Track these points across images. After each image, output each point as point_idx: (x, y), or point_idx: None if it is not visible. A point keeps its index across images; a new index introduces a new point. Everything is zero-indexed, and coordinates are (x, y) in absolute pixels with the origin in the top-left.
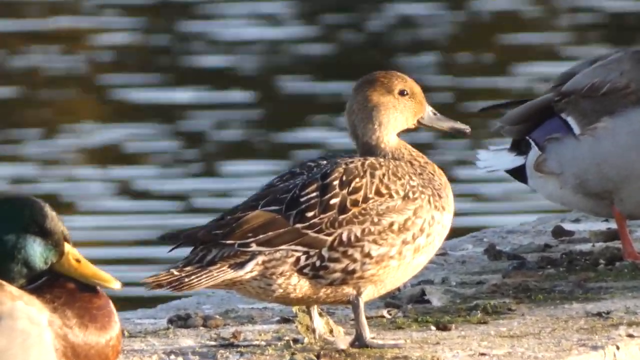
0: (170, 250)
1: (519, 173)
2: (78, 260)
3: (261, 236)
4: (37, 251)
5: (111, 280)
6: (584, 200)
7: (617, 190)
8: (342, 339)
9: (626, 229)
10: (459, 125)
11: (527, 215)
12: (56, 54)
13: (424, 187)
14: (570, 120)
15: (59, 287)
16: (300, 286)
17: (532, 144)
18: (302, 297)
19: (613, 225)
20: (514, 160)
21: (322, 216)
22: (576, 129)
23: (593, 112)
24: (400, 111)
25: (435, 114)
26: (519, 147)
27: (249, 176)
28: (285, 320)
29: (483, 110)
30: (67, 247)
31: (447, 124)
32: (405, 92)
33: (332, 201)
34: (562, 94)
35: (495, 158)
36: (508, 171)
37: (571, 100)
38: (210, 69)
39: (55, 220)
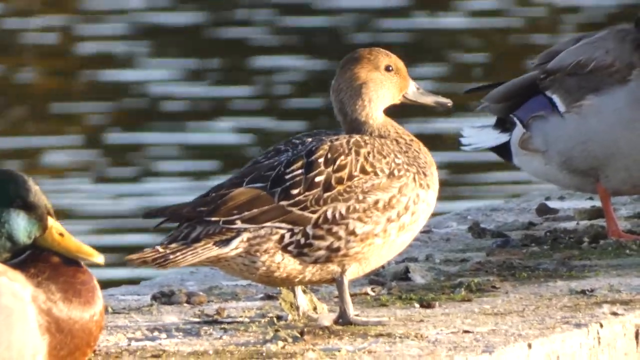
0: (156, 227)
1: (503, 150)
2: (61, 234)
3: (246, 213)
4: (21, 225)
5: (95, 254)
6: (569, 177)
7: (602, 167)
8: (326, 316)
9: (610, 206)
10: (442, 99)
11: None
12: None
13: (409, 165)
14: (556, 98)
15: (43, 261)
16: (285, 264)
17: (517, 122)
18: (286, 276)
19: (597, 203)
20: (498, 138)
21: (307, 193)
22: (561, 107)
23: (578, 90)
24: (387, 87)
25: (418, 88)
26: (504, 124)
27: None
28: (269, 297)
29: (468, 92)
30: (51, 221)
31: (430, 99)
32: (391, 68)
33: (317, 179)
34: (547, 72)
35: (480, 135)
36: (492, 149)
37: (556, 78)
38: None
39: (39, 194)
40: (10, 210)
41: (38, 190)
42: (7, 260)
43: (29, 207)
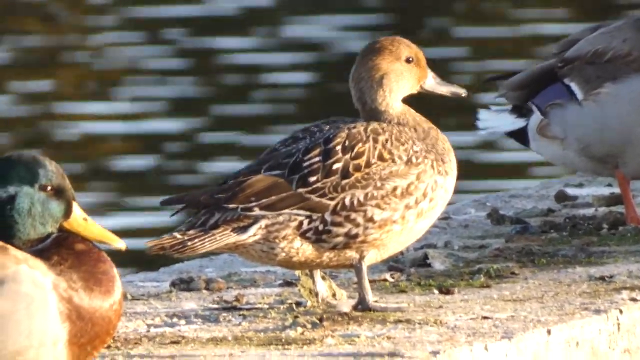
0: (173, 215)
1: (520, 135)
2: (85, 219)
3: (264, 200)
4: (49, 210)
5: (117, 240)
6: (587, 163)
7: (620, 154)
8: (345, 302)
9: (629, 193)
10: (457, 89)
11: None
12: None
13: (428, 151)
14: (574, 85)
15: (66, 248)
16: (303, 250)
17: (535, 109)
18: (304, 261)
19: (616, 189)
20: (514, 122)
21: (324, 181)
22: (579, 95)
23: (596, 78)
24: (406, 78)
25: (435, 78)
26: (520, 109)
27: None
28: (288, 283)
29: (489, 81)
30: (74, 206)
31: (447, 89)
32: (411, 59)
33: (335, 166)
34: (565, 60)
35: (496, 119)
36: (508, 133)
37: (575, 66)
38: None
39: (66, 179)
40: (40, 195)
41: (64, 174)
42: (32, 246)
43: (57, 192)
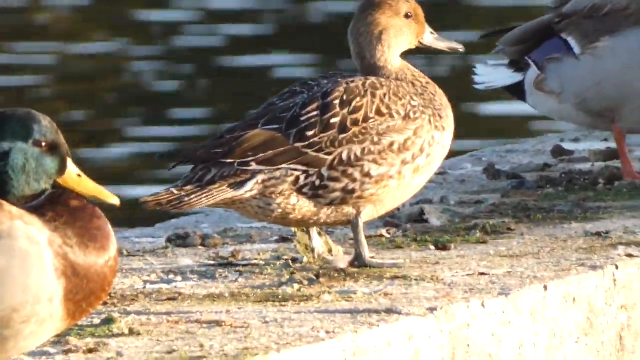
0: (170, 169)
1: (517, 89)
2: (79, 176)
3: (261, 155)
4: (43, 166)
5: (111, 196)
6: (584, 117)
7: (617, 108)
8: (342, 258)
9: (625, 148)
10: (455, 44)
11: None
12: None
13: (425, 107)
14: (571, 40)
15: (61, 205)
16: (300, 206)
17: (532, 64)
18: (301, 218)
19: (612, 144)
20: (512, 77)
21: (322, 135)
22: (577, 49)
23: (594, 32)
24: (405, 34)
25: (433, 34)
26: (517, 63)
27: None
28: (284, 239)
29: (485, 37)
30: (69, 162)
31: (444, 44)
32: (410, 14)
33: (333, 120)
34: (562, 15)
35: (494, 74)
36: (506, 87)
37: (572, 21)
38: None
39: (60, 135)
40: (35, 151)
41: (58, 130)
42: (27, 203)
43: (52, 148)
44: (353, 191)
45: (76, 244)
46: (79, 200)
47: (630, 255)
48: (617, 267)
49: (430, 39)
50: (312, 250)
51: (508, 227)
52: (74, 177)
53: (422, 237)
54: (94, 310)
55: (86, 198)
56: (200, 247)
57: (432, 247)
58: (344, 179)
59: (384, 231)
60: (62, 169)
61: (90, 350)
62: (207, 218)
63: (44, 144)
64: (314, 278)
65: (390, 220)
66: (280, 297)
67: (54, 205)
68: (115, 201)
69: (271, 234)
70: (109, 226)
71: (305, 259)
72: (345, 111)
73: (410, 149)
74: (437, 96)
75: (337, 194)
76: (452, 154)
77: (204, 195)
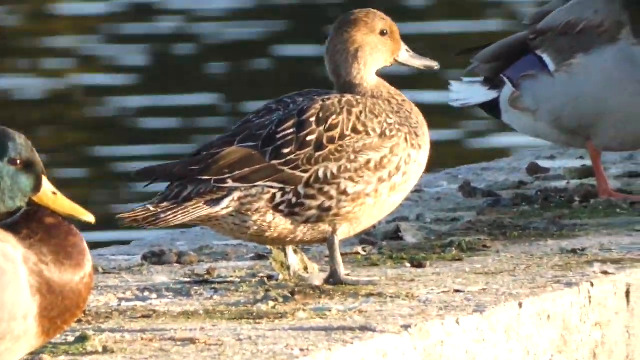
0: (146, 186)
1: (491, 107)
2: (54, 193)
3: (237, 172)
4: (18, 184)
5: (86, 214)
6: (559, 135)
7: (592, 125)
8: (317, 276)
9: (601, 166)
10: (430, 62)
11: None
12: None
13: (401, 125)
14: (546, 57)
15: (36, 222)
16: (276, 224)
17: (507, 81)
18: (277, 236)
19: (588, 162)
20: (487, 94)
21: (298, 153)
22: (551, 66)
23: (569, 49)
24: (381, 51)
25: (408, 51)
26: (492, 80)
27: None
28: (260, 257)
29: (459, 54)
30: (44, 180)
31: (419, 62)
32: (386, 32)
33: (309, 138)
34: (537, 32)
35: (468, 91)
36: (481, 105)
37: (547, 37)
38: None
39: (35, 153)
40: (10, 169)
41: (33, 148)
42: (1, 220)
43: (27, 166)
44: (329, 209)
45: (51, 261)
46: (54, 217)
47: (605, 273)
48: (592, 285)
49: (406, 56)
50: (288, 268)
51: (484, 244)
52: (49, 194)
53: (398, 254)
54: (68, 328)
55: (61, 216)
56: (176, 265)
57: (408, 265)
58: (320, 196)
59: (359, 249)
60: (37, 186)
61: None
62: (183, 235)
63: (18, 161)
64: (289, 295)
65: (366, 237)
66: (254, 314)
67: (29, 223)
68: (90, 218)
69: (247, 252)
70: (85, 243)
71: (280, 277)
72: (321, 129)
73: (387, 167)
74: (413, 114)
75: (314, 211)
76: (428, 171)
77: (180, 212)
